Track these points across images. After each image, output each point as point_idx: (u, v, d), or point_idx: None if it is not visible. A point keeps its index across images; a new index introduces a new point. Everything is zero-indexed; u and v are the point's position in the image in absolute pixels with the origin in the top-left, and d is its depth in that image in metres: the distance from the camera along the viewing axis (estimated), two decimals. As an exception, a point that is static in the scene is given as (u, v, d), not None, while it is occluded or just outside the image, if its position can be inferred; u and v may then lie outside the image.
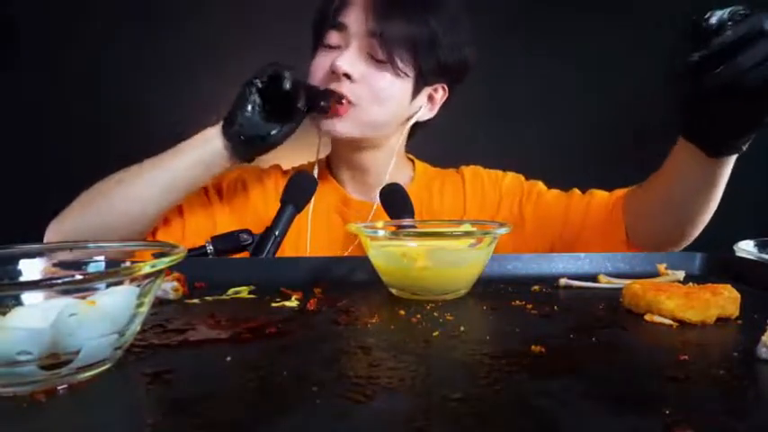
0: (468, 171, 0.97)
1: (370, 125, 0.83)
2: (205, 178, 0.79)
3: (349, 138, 0.83)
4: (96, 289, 0.29)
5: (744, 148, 0.61)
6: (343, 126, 0.81)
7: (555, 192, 0.91)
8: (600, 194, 0.86)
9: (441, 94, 0.89)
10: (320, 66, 0.81)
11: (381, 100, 0.81)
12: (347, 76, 0.78)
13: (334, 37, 0.81)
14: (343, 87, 0.78)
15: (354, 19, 0.79)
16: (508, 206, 0.91)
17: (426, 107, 0.89)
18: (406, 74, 0.80)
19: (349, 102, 0.79)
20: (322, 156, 0.93)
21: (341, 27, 0.80)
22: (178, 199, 0.80)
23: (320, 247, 0.87)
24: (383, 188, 0.79)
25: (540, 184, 0.94)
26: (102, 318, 0.29)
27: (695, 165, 0.66)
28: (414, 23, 0.79)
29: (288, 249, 0.83)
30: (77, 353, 0.28)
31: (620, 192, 0.84)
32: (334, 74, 0.79)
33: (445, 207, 0.92)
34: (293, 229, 0.84)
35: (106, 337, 0.29)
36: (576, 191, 0.89)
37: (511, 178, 0.95)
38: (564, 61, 1.60)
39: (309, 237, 0.87)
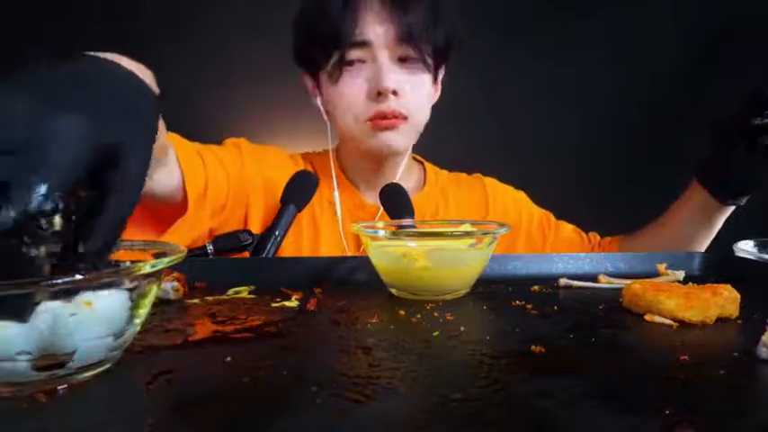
0: (490, 182, 0.98)
1: (419, 130, 0.85)
2: None
3: (401, 150, 0.84)
4: (96, 289, 0.29)
5: (744, 201, 0.77)
6: (400, 140, 0.81)
7: (568, 227, 0.95)
8: (596, 237, 0.94)
9: (441, 73, 0.90)
10: (355, 88, 0.79)
11: (421, 99, 0.82)
12: (395, 92, 0.77)
13: (356, 53, 0.78)
14: (392, 104, 0.78)
15: (376, 31, 0.77)
16: (527, 230, 0.94)
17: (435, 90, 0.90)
18: (432, 66, 0.81)
19: (404, 117, 0.79)
20: (322, 148, 0.93)
21: (364, 44, 0.77)
22: None
23: (334, 250, 0.87)
24: (383, 188, 0.79)
25: (552, 216, 0.97)
26: (98, 320, 0.29)
27: (703, 210, 0.79)
28: (426, 13, 0.78)
29: (302, 251, 0.84)
30: (73, 354, 0.28)
31: (613, 239, 0.93)
32: (379, 95, 0.77)
33: (464, 214, 0.92)
34: (308, 232, 0.84)
35: (102, 340, 0.29)
36: (581, 232, 0.95)
37: (528, 201, 0.98)
38: (564, 64, 1.60)
39: (344, 239, 0.87)
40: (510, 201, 0.96)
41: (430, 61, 0.80)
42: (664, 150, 1.50)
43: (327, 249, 0.85)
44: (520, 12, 1.58)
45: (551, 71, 1.59)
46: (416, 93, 0.80)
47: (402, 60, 0.79)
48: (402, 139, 0.82)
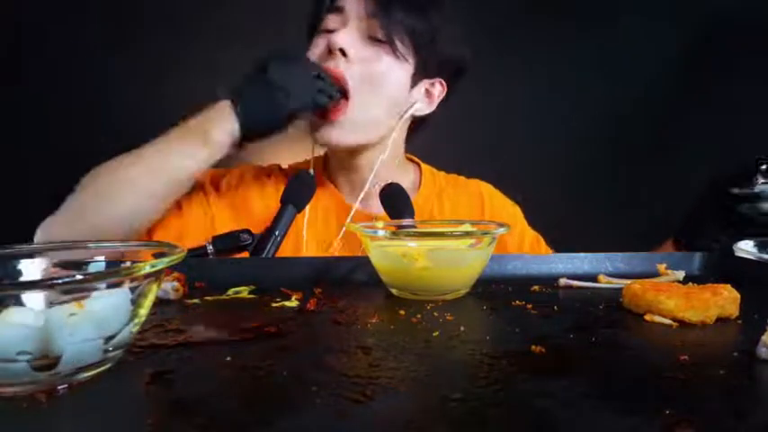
0: (487, 191, 0.97)
1: (365, 125, 0.81)
2: (209, 163, 0.74)
3: (345, 147, 0.82)
4: (96, 289, 0.29)
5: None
6: (339, 134, 0.79)
7: (550, 253, 0.96)
8: None
9: (439, 89, 0.88)
10: (318, 49, 0.80)
11: (379, 84, 0.79)
12: (343, 52, 0.76)
13: (332, 21, 0.79)
14: (340, 65, 0.77)
15: (353, 1, 0.78)
16: (519, 247, 0.93)
17: (424, 102, 0.88)
18: (405, 58, 0.79)
19: (345, 94, 0.77)
20: (317, 154, 0.93)
21: (338, 10, 0.78)
22: (184, 188, 0.76)
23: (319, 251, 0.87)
24: (383, 188, 0.79)
25: (542, 239, 0.97)
26: (89, 321, 0.29)
27: None
28: (413, 10, 0.78)
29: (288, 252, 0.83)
30: (60, 357, 0.28)
31: None
32: (330, 53, 0.77)
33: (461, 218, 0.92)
34: (292, 232, 0.84)
35: (94, 342, 0.29)
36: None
37: (523, 219, 0.97)
38: (560, 66, 1.60)
39: (305, 243, 0.86)
40: (506, 215, 0.95)
41: (402, 49, 0.78)
42: (660, 165, 1.51)
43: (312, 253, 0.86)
44: (516, 17, 1.58)
45: (547, 81, 1.60)
46: (370, 67, 0.78)
47: (371, 38, 0.78)
48: (340, 134, 0.80)
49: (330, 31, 0.79)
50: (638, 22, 1.55)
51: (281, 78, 0.72)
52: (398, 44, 0.78)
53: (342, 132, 0.80)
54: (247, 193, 0.89)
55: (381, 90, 0.79)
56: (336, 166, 0.91)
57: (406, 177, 0.93)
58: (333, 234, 0.87)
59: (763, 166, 0.72)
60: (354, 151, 0.86)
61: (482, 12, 1.46)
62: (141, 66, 1.48)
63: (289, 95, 0.72)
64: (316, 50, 0.81)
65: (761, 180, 0.72)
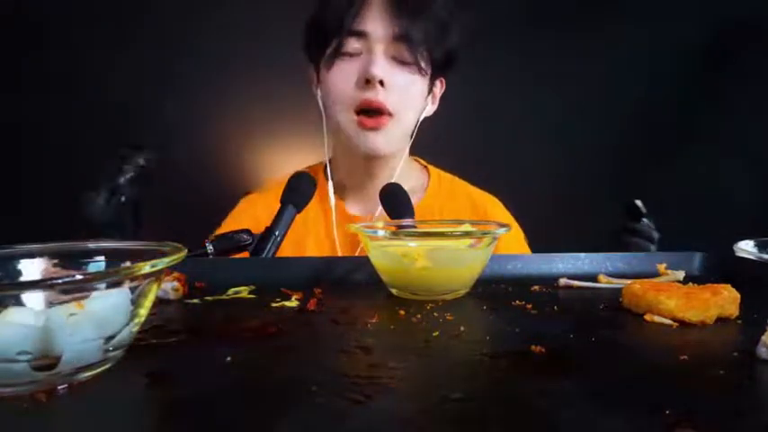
0: (491, 201, 0.97)
1: (405, 135, 0.84)
2: None
3: (384, 155, 0.83)
4: (96, 289, 0.29)
5: None
6: (385, 143, 0.81)
7: None
8: None
9: (439, 86, 0.90)
10: (346, 74, 0.80)
11: (413, 104, 0.82)
12: (382, 83, 0.77)
13: (353, 44, 0.79)
14: (379, 96, 0.78)
15: (376, 25, 0.78)
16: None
17: (430, 103, 0.89)
18: (427, 72, 0.81)
19: (389, 113, 0.79)
20: (318, 161, 0.93)
21: (361, 34, 0.78)
22: None
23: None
24: (383, 188, 0.79)
25: None
26: (89, 321, 0.29)
27: None
28: (428, 19, 0.79)
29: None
30: (62, 356, 0.28)
31: None
32: (368, 83, 0.77)
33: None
34: (294, 236, 0.84)
35: (94, 342, 0.29)
36: None
37: (524, 245, 0.96)
38: (558, 68, 1.60)
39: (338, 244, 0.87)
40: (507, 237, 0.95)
41: (425, 66, 0.81)
42: (657, 166, 1.50)
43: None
44: (516, 18, 1.58)
45: (545, 82, 1.59)
46: (406, 91, 0.80)
47: (396, 59, 0.79)
48: (387, 141, 0.81)
49: (351, 54, 0.79)
50: (638, 25, 1.55)
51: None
52: (422, 62, 0.80)
53: (387, 142, 0.82)
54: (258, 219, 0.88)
55: (414, 106, 0.83)
56: (351, 172, 0.90)
57: (416, 180, 0.94)
58: (342, 238, 0.87)
59: (639, 203, 0.80)
60: (381, 159, 0.86)
61: (480, 12, 1.46)
62: (141, 66, 1.48)
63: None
64: (344, 78, 0.80)
65: (644, 220, 0.79)
